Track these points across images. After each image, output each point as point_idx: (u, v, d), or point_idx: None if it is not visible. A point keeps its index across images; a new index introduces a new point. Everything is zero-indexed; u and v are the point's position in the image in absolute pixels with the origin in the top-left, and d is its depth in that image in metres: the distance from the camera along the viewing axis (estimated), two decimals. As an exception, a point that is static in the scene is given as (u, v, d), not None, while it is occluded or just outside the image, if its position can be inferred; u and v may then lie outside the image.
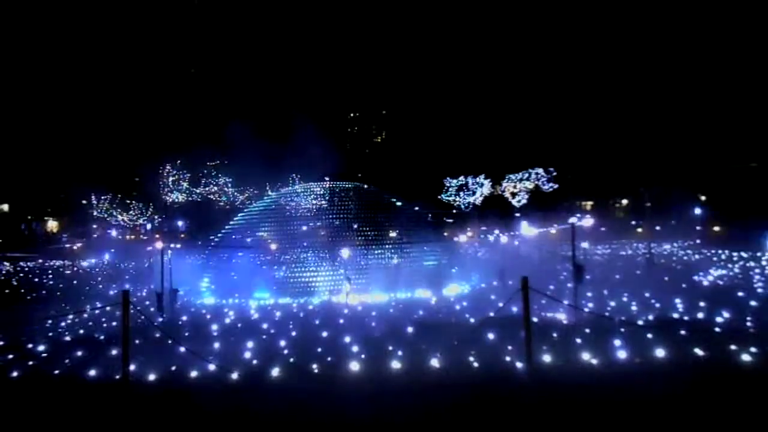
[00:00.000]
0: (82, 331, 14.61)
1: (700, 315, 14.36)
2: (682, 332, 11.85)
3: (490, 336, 11.76)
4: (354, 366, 10.02)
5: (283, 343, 12.21)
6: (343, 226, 21.64)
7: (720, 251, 34.29)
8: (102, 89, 61.39)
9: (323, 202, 22.87)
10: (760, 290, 18.64)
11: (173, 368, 10.30)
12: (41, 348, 12.20)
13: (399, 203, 24.51)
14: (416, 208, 25.63)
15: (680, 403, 8.12)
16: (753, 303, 15.72)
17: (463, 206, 61.26)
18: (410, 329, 13.13)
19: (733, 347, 10.39)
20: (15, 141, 61.25)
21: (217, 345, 12.14)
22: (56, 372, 10.38)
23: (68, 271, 33.03)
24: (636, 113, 61.40)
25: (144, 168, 61.13)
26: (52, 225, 71.08)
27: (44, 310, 17.74)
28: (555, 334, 11.89)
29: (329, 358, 10.70)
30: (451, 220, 54.36)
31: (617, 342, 10.84)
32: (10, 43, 59.94)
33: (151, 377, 9.78)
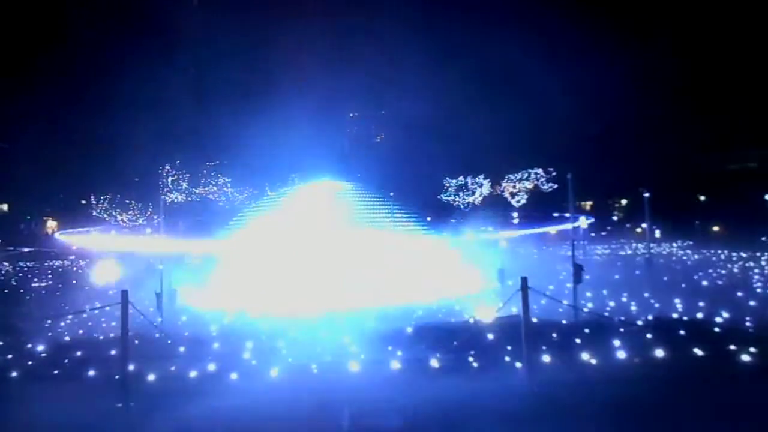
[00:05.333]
0: (81, 332, 14.60)
1: (699, 315, 14.38)
2: (681, 332, 11.86)
3: (489, 336, 11.76)
4: (353, 366, 10.02)
5: (281, 343, 12.22)
6: (342, 226, 21.61)
7: (719, 251, 34.37)
8: (101, 89, 61.35)
9: (322, 202, 22.86)
10: (759, 290, 18.68)
11: (172, 368, 10.30)
12: (40, 348, 12.18)
13: (398, 203, 24.55)
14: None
15: (679, 402, 8.13)
16: (752, 303, 15.76)
17: (462, 206, 61.38)
18: (409, 330, 13.13)
19: (732, 347, 10.39)
20: (13, 142, 61.21)
21: (216, 345, 12.15)
22: (55, 372, 10.37)
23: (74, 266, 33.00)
24: (635, 114, 61.44)
25: (143, 168, 61.15)
26: (51, 225, 71.03)
27: (43, 310, 17.73)
28: (554, 334, 11.89)
29: (328, 359, 10.71)
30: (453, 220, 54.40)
31: (616, 342, 10.85)
32: (8, 42, 59.90)
33: (150, 377, 9.77)
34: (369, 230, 21.44)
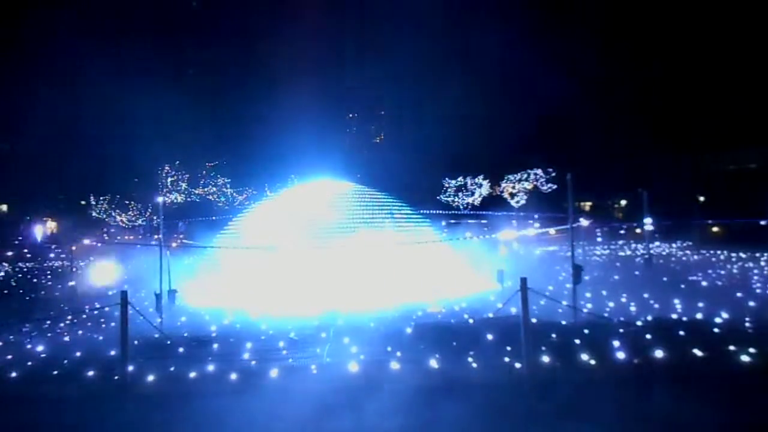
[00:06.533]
0: (81, 332, 14.60)
1: (699, 316, 14.37)
2: (681, 333, 11.85)
3: (489, 337, 11.76)
4: (353, 367, 10.02)
5: (281, 344, 12.23)
6: (341, 226, 21.61)
7: (719, 252, 34.39)
8: (100, 89, 61.37)
9: (321, 202, 22.85)
10: (758, 291, 18.68)
11: (171, 369, 10.30)
12: (40, 348, 12.18)
13: (398, 204, 24.53)
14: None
15: (679, 403, 8.13)
16: (751, 303, 15.76)
17: (461, 207, 61.41)
18: (409, 330, 13.12)
19: (731, 348, 10.39)
20: (13, 143, 61.16)
21: (216, 346, 12.15)
22: (55, 372, 10.37)
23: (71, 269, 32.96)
24: (634, 113, 61.41)
25: (143, 168, 61.13)
26: (50, 226, 70.90)
27: (43, 311, 17.74)
28: (553, 335, 11.89)
29: (328, 359, 10.71)
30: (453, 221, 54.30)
31: (616, 343, 10.84)
32: (8, 43, 59.88)
33: (150, 378, 9.76)
34: (368, 230, 21.45)
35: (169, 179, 63.15)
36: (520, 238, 39.41)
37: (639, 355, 10.33)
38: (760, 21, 53.07)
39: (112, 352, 11.05)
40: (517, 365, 9.69)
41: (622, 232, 48.65)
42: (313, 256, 20.25)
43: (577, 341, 11.28)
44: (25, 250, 46.07)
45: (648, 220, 29.53)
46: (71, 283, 24.89)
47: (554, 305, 13.23)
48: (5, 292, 24.28)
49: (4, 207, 68.69)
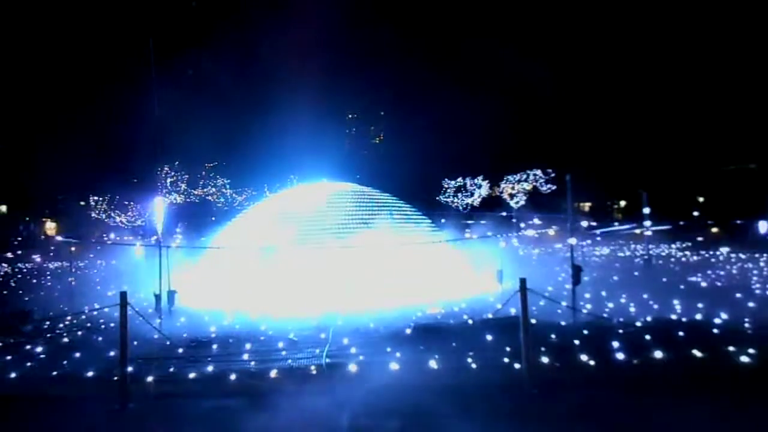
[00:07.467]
0: (80, 333, 14.60)
1: (698, 316, 14.38)
2: (680, 333, 11.86)
3: (489, 337, 11.76)
4: (352, 367, 10.02)
5: (280, 344, 12.23)
6: (340, 227, 21.59)
7: (718, 252, 34.43)
8: (99, 89, 61.37)
9: (320, 203, 22.83)
10: (757, 291, 18.70)
11: (171, 369, 10.31)
12: (39, 349, 12.17)
13: (398, 204, 24.52)
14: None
15: (678, 404, 8.14)
16: (750, 304, 15.77)
17: (461, 207, 61.53)
18: (408, 331, 13.13)
19: (731, 348, 10.39)
20: (12, 142, 61.18)
21: (215, 347, 12.16)
22: (54, 373, 10.36)
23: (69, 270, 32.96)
24: (634, 114, 61.51)
25: (142, 169, 61.14)
26: (50, 226, 70.88)
27: (42, 311, 17.71)
28: (553, 336, 11.90)
29: (327, 360, 10.70)
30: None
31: (615, 343, 10.85)
32: (7, 42, 59.89)
33: (149, 379, 9.76)
34: (368, 231, 21.41)
35: (169, 180, 63.20)
36: (519, 239, 39.49)
37: (638, 355, 10.33)
38: (762, 21, 53.14)
39: (112, 353, 11.03)
40: (517, 366, 9.69)
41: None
42: (312, 256, 20.22)
43: (577, 342, 11.29)
44: (18, 253, 46.13)
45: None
46: (71, 280, 24.94)
47: (554, 306, 13.21)
48: (5, 292, 24.30)
49: (4, 207, 68.67)
